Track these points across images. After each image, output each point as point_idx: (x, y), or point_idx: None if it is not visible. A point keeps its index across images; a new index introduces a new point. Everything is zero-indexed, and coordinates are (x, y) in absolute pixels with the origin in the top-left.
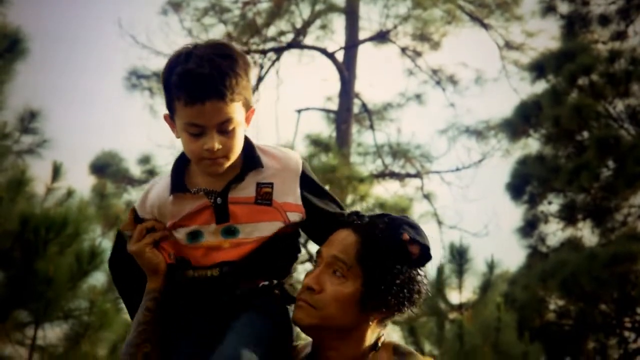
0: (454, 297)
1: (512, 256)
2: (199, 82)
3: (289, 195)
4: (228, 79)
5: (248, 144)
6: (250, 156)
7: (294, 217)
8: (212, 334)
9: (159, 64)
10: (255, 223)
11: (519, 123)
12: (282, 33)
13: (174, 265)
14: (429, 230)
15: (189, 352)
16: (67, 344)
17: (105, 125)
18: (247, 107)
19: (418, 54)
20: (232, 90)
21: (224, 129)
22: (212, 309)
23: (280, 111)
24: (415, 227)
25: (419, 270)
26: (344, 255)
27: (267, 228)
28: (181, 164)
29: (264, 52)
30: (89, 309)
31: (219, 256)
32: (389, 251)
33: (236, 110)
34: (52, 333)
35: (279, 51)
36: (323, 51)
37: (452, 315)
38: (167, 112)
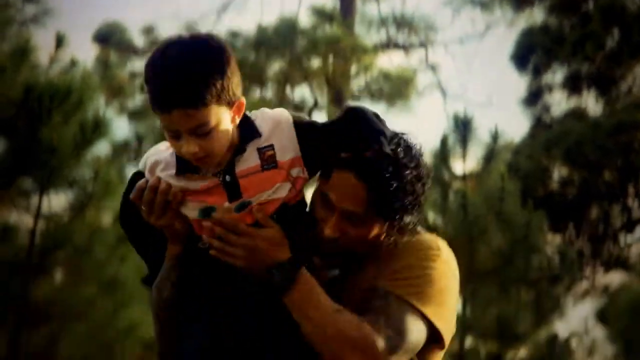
0: (458, 167)
1: (516, 126)
2: (165, 91)
3: (290, 150)
4: (196, 86)
5: (243, 118)
6: (246, 125)
7: (295, 172)
8: (230, 305)
9: None
10: (267, 191)
11: None
12: None
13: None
14: (433, 102)
15: (206, 321)
16: (72, 213)
17: None
18: (230, 104)
19: None
20: (202, 96)
21: (199, 132)
22: (232, 280)
23: None
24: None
25: (421, 175)
26: (357, 207)
27: (277, 191)
28: None
29: None
30: (93, 178)
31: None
32: (399, 191)
33: (210, 113)
34: (57, 201)
35: None
36: None
37: (456, 185)
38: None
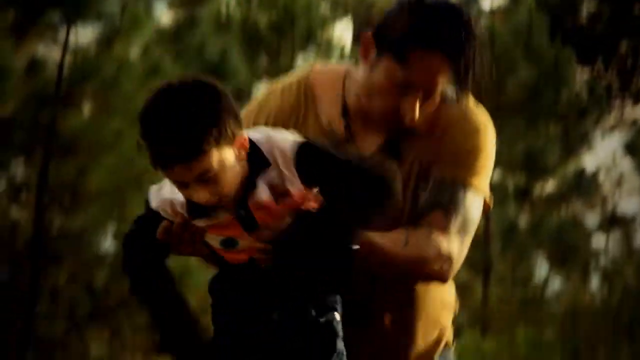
0: (486, 2)
1: None
2: (161, 151)
3: (295, 179)
4: (191, 140)
5: (251, 146)
6: (254, 154)
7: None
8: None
9: None
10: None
11: None
12: None
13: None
14: None
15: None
16: (99, 46)
17: None
18: (231, 142)
19: None
20: (199, 148)
21: (204, 179)
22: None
23: None
24: None
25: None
26: (443, 85)
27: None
28: None
29: None
30: (121, 12)
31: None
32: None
33: (212, 159)
34: (84, 34)
35: None
36: None
37: (484, 20)
38: None
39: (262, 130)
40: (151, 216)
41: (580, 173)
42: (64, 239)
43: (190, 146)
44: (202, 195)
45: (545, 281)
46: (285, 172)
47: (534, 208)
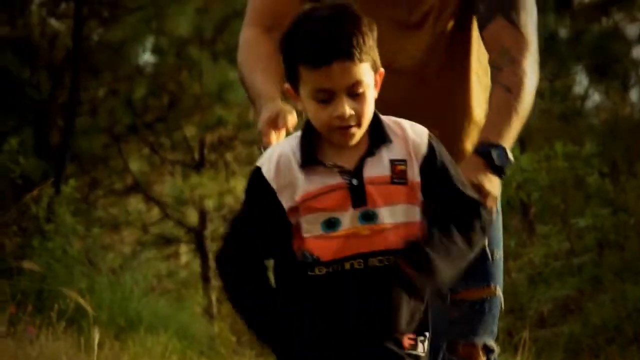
0: None
1: None
2: (325, 42)
3: (418, 171)
4: (354, 38)
5: (374, 117)
6: (377, 128)
7: (421, 197)
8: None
9: None
10: (393, 205)
11: None
12: None
13: (300, 263)
14: None
15: None
16: None
17: None
18: (375, 69)
19: None
20: (360, 49)
21: (354, 92)
22: (359, 309)
23: None
24: None
25: None
26: None
27: (406, 212)
28: (309, 134)
29: None
30: None
31: (358, 245)
32: None
33: (365, 71)
34: None
35: None
36: None
37: None
38: (287, 84)
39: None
40: (247, 216)
41: None
42: (103, 51)
43: (355, 44)
44: (347, 109)
45: (585, 94)
46: (413, 158)
47: (575, 18)
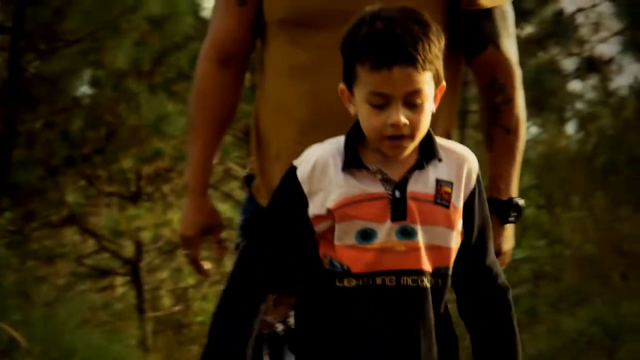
0: None
1: None
2: (388, 44)
3: (463, 199)
4: (420, 43)
5: (427, 133)
6: (428, 143)
7: (461, 224)
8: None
9: None
10: (432, 226)
11: None
12: None
13: (328, 271)
14: None
15: None
16: None
17: None
18: (438, 82)
19: None
20: (425, 56)
21: (412, 101)
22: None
23: None
24: None
25: None
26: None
27: (443, 235)
28: (354, 138)
29: None
30: None
31: (392, 261)
32: None
33: (426, 81)
34: None
35: None
36: None
37: None
38: (342, 84)
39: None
40: (271, 221)
41: (559, 14)
42: (40, 83)
43: (421, 51)
44: (401, 118)
45: None
46: (462, 184)
47: None
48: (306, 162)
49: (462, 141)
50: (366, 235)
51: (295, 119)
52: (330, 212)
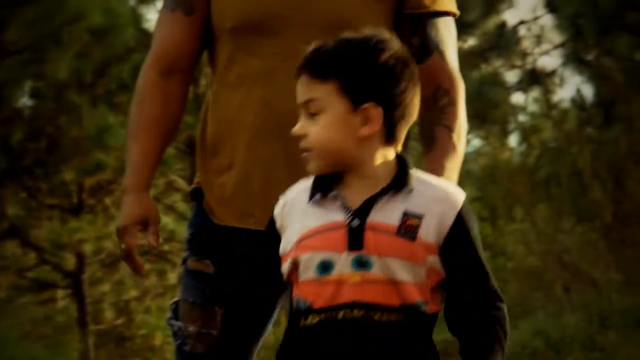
0: None
1: None
2: (305, 56)
3: (436, 235)
4: (331, 57)
5: (402, 161)
6: (401, 173)
7: (432, 260)
8: None
9: None
10: (390, 258)
11: None
12: None
13: (295, 312)
14: None
15: None
16: None
17: None
18: (354, 102)
19: None
20: (328, 68)
21: (308, 109)
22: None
23: None
24: None
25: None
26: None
27: (404, 269)
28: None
29: None
30: None
31: (348, 292)
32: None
33: (327, 92)
34: None
35: None
36: None
37: None
38: None
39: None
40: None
41: (501, 27)
42: None
43: (323, 61)
44: (299, 127)
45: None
46: (434, 219)
47: None
48: (282, 198)
49: (404, 153)
50: (325, 267)
51: (247, 127)
52: (294, 246)
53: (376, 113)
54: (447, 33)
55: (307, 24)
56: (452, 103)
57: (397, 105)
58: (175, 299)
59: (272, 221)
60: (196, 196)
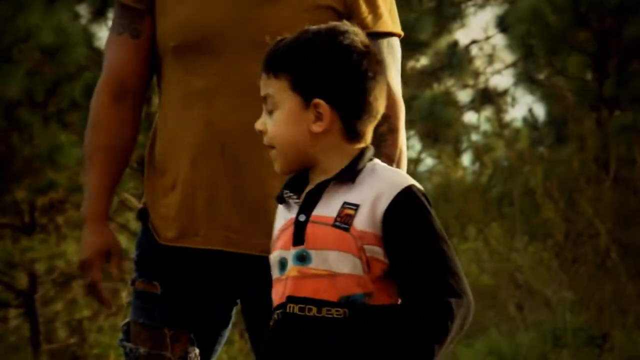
0: None
1: None
2: (268, 53)
3: (371, 223)
4: (285, 52)
5: (359, 154)
6: (351, 166)
7: (371, 250)
8: None
9: None
10: (327, 250)
11: None
12: None
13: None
14: None
15: None
16: None
17: None
18: (304, 97)
19: None
20: (281, 63)
21: (266, 106)
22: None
23: None
24: None
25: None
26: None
27: (339, 261)
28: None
29: None
30: None
31: (287, 288)
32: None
33: (280, 88)
34: None
35: None
36: None
37: None
38: None
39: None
40: None
41: (453, 46)
42: None
43: (277, 57)
44: (259, 122)
45: (418, 158)
46: (367, 207)
47: (407, 83)
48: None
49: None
50: (282, 265)
51: (190, 146)
52: (271, 249)
53: (326, 109)
54: (389, 55)
55: (247, 43)
56: (392, 130)
57: (353, 100)
58: (127, 320)
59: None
60: (143, 216)
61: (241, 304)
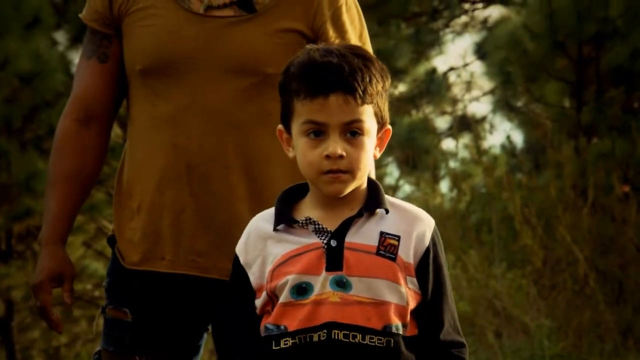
0: None
1: None
2: (325, 72)
3: (413, 256)
4: (360, 74)
5: (373, 184)
6: (375, 193)
7: (413, 282)
8: None
9: None
10: (372, 278)
11: None
12: None
13: (265, 338)
14: None
15: None
16: None
17: None
18: (381, 122)
19: None
20: (364, 87)
21: (351, 132)
22: None
23: None
24: None
25: None
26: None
27: (386, 290)
28: (290, 196)
29: None
30: None
31: (326, 313)
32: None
33: (366, 114)
34: None
35: None
36: None
37: None
38: (280, 126)
39: None
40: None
41: (431, 73)
42: None
43: (360, 80)
44: (338, 148)
45: (396, 185)
46: (412, 241)
47: None
48: (243, 235)
49: None
50: (301, 290)
51: (156, 169)
52: (269, 277)
53: (386, 135)
54: None
55: (213, 66)
56: None
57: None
58: (98, 348)
59: (236, 258)
60: (112, 243)
61: (212, 328)
